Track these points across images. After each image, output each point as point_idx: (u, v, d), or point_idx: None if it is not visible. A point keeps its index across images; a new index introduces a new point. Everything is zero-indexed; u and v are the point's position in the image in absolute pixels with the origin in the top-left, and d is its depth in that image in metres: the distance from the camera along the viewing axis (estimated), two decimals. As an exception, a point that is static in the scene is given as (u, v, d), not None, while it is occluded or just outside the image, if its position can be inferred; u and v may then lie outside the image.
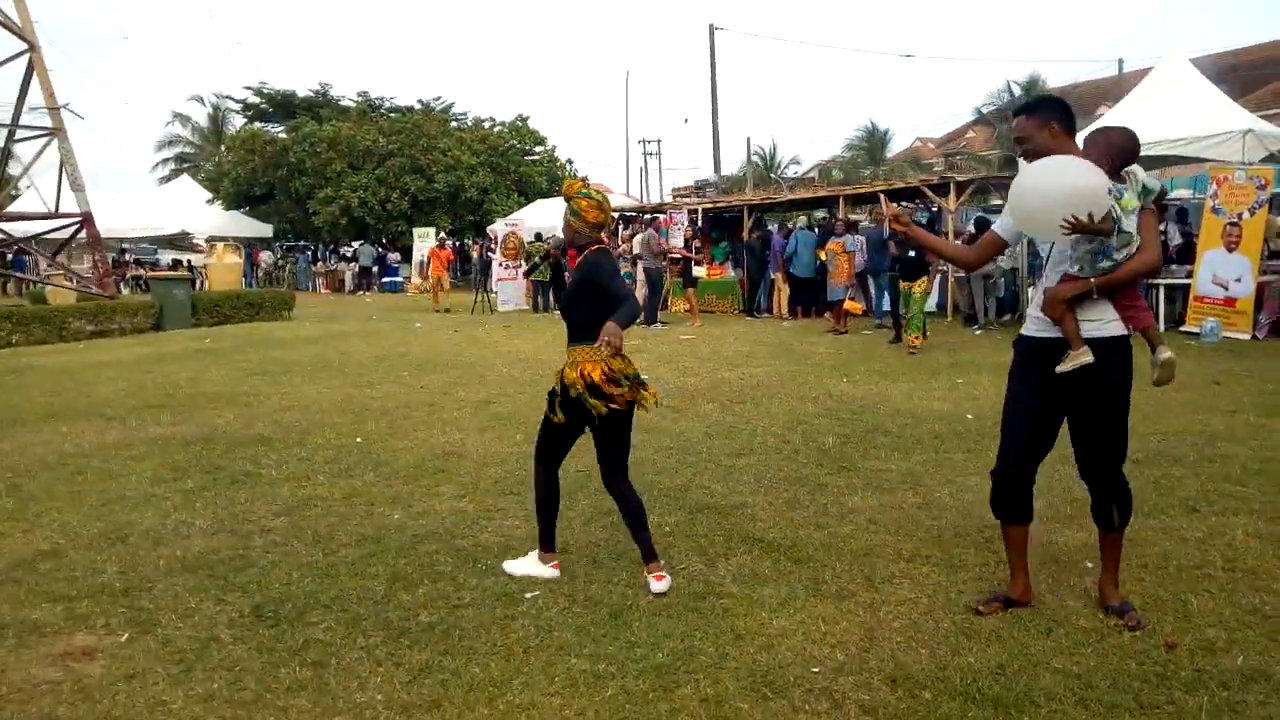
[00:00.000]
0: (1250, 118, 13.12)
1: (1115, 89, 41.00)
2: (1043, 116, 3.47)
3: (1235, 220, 12.03)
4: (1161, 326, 12.99)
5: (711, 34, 28.23)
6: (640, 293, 16.52)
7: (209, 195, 35.30)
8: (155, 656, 3.26)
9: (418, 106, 38.32)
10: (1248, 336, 11.70)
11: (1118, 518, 3.46)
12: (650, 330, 15.07)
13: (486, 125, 36.00)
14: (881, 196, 4.95)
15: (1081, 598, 3.66)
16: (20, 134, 19.15)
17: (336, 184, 31.29)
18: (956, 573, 3.96)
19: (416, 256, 31.58)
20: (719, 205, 19.80)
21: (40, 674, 3.13)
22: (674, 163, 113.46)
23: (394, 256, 33.05)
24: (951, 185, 15.20)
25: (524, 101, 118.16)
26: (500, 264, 22.06)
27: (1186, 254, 13.72)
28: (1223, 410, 7.27)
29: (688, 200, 20.16)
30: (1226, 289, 12.11)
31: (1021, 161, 3.59)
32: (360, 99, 39.56)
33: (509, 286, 21.90)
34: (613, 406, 3.73)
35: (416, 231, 31.69)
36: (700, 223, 18.88)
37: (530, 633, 3.42)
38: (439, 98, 39.45)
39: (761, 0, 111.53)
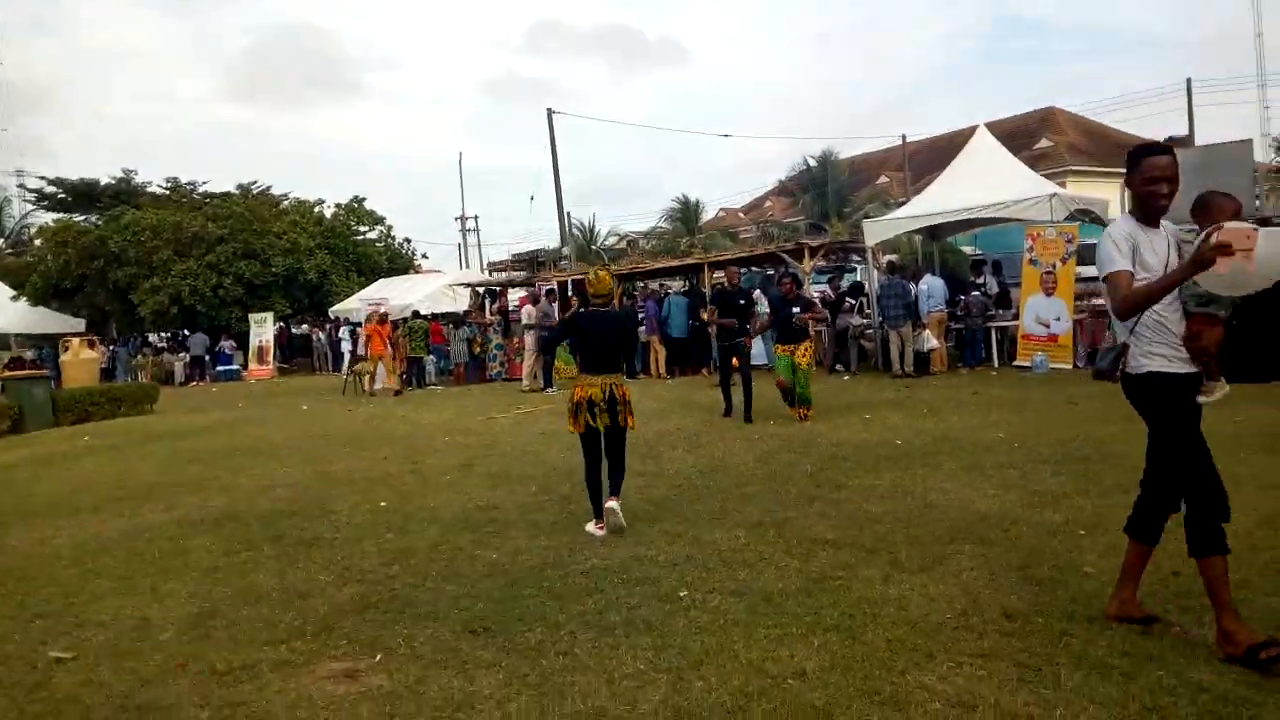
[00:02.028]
0: (1052, 185, 15.73)
1: (895, 158, 46.13)
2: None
3: (1051, 269, 14.37)
4: (995, 363, 15.21)
5: (550, 118, 29.69)
6: (529, 360, 17.26)
7: (12, 292, 32.86)
8: (423, 667, 3.79)
9: (235, 191, 37.31)
10: (1070, 366, 13.91)
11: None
12: (551, 394, 15.77)
13: (317, 209, 35.62)
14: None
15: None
16: None
17: (164, 272, 30.05)
18: (990, 547, 5.06)
19: (254, 342, 30.72)
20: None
21: (334, 690, 3.61)
22: (499, 237, 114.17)
23: (229, 344, 31.84)
24: (806, 250, 17.02)
25: (357, 184, 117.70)
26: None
27: (1005, 300, 16.15)
28: (1096, 421, 8.91)
29: (557, 274, 21.11)
30: (1049, 327, 14.37)
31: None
32: (169, 185, 38.09)
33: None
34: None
35: (253, 317, 30.89)
36: (570, 293, 19.83)
37: (711, 617, 4.20)
38: (255, 181, 38.56)
39: (589, 81, 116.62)
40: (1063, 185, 26.79)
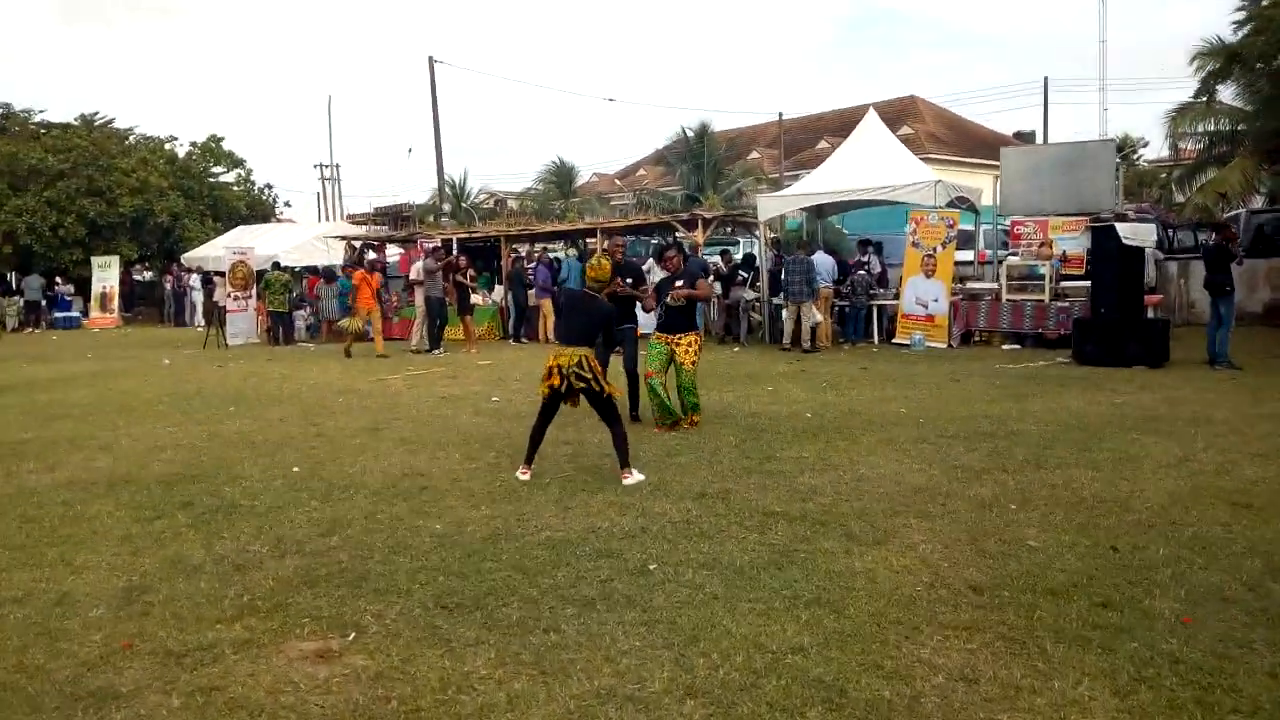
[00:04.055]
0: (934, 172, 16.35)
1: (765, 134, 47.03)
2: None
3: (931, 253, 15.00)
4: (875, 340, 15.78)
5: (431, 67, 28.59)
6: (418, 321, 16.70)
7: None
8: (405, 645, 3.59)
9: (76, 123, 34.25)
10: (945, 345, 14.61)
11: None
12: (438, 356, 15.33)
13: (169, 146, 33.20)
14: None
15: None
16: None
17: (-5, 207, 27.42)
18: (933, 520, 5.24)
19: (97, 288, 28.53)
20: (474, 235, 20.36)
21: (313, 672, 3.37)
22: (363, 189, 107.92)
23: (66, 288, 29.40)
24: (700, 221, 17.14)
25: (214, 122, 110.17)
26: (229, 295, 20.83)
27: (884, 280, 16.77)
28: (983, 400, 9.37)
29: (440, 231, 20.48)
30: (927, 308, 15.03)
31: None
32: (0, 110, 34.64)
33: (240, 318, 20.78)
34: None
35: (96, 261, 28.67)
36: (455, 251, 19.27)
37: (689, 592, 4.16)
38: (98, 113, 35.50)
39: (475, 35, 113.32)
40: (931, 171, 27.97)
